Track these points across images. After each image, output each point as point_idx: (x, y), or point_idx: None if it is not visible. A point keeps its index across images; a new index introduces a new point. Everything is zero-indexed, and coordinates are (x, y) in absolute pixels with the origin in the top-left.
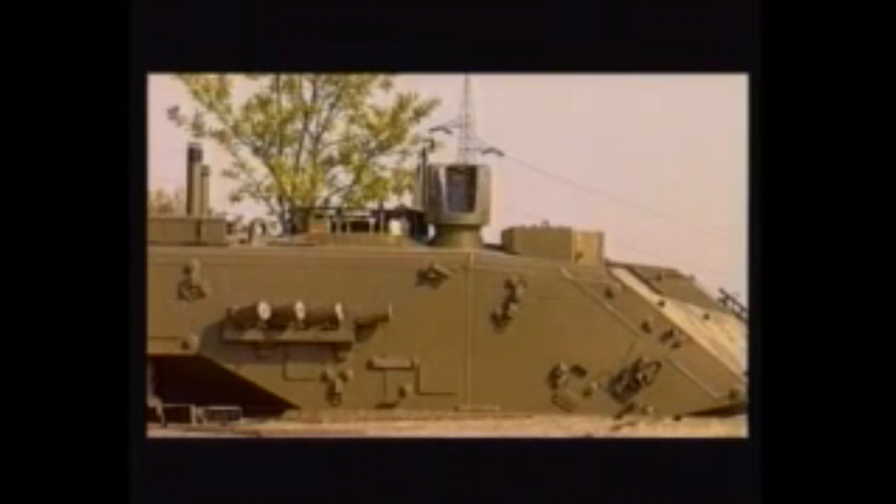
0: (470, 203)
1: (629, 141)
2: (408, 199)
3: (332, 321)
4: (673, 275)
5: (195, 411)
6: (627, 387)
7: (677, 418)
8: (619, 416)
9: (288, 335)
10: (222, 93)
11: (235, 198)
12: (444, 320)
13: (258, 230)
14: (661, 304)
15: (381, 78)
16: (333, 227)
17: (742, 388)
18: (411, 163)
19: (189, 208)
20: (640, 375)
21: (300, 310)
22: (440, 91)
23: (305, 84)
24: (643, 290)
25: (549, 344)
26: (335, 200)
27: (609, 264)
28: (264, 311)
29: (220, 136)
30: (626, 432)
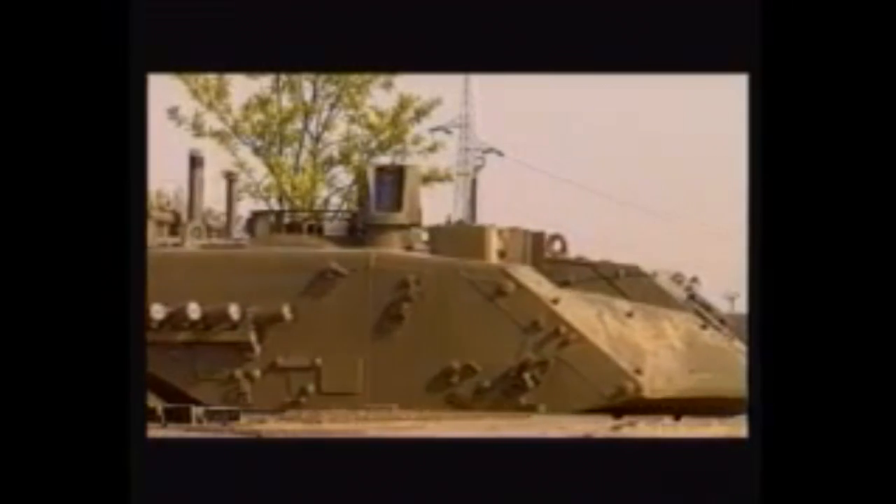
0: (398, 203)
1: (629, 141)
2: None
3: (229, 322)
4: (633, 272)
5: (195, 411)
6: (515, 385)
7: (677, 418)
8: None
9: (191, 336)
10: (222, 92)
11: (235, 198)
12: (344, 320)
13: (190, 231)
14: (555, 301)
15: (382, 78)
16: (272, 229)
17: (630, 385)
18: (411, 163)
19: (191, 214)
20: (526, 375)
21: (193, 311)
22: (440, 91)
23: (306, 84)
24: (543, 288)
25: (443, 343)
26: (335, 200)
27: (569, 262)
28: (157, 312)
29: (220, 136)
30: (625, 432)
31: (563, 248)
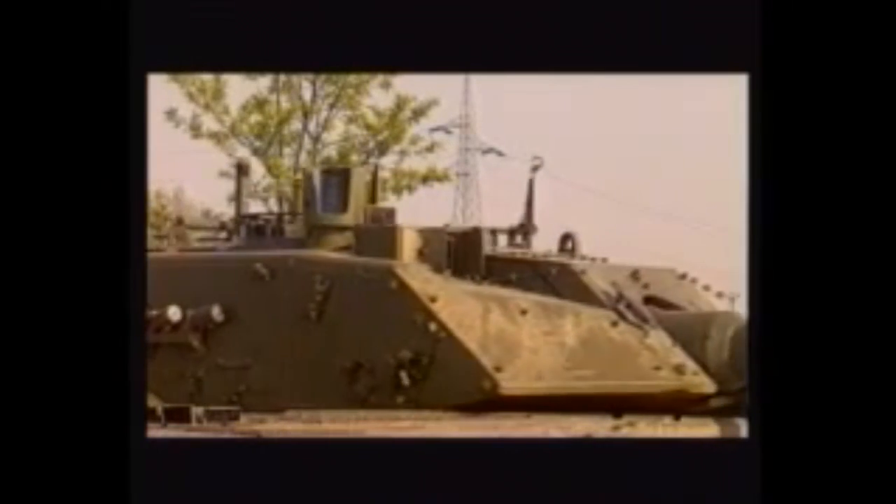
0: (343, 204)
1: (629, 141)
2: (407, 200)
3: (170, 324)
4: (564, 270)
5: (195, 411)
6: (395, 384)
7: (677, 418)
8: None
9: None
10: (218, 94)
11: (234, 199)
12: (269, 321)
13: (173, 235)
14: (433, 300)
15: (379, 78)
16: (249, 232)
17: (487, 382)
18: (410, 163)
19: (237, 220)
20: (403, 373)
21: None
22: (440, 91)
23: (305, 84)
24: (425, 287)
25: (343, 342)
26: None
27: (510, 260)
28: None
29: (217, 138)
30: (625, 432)
31: (573, 248)
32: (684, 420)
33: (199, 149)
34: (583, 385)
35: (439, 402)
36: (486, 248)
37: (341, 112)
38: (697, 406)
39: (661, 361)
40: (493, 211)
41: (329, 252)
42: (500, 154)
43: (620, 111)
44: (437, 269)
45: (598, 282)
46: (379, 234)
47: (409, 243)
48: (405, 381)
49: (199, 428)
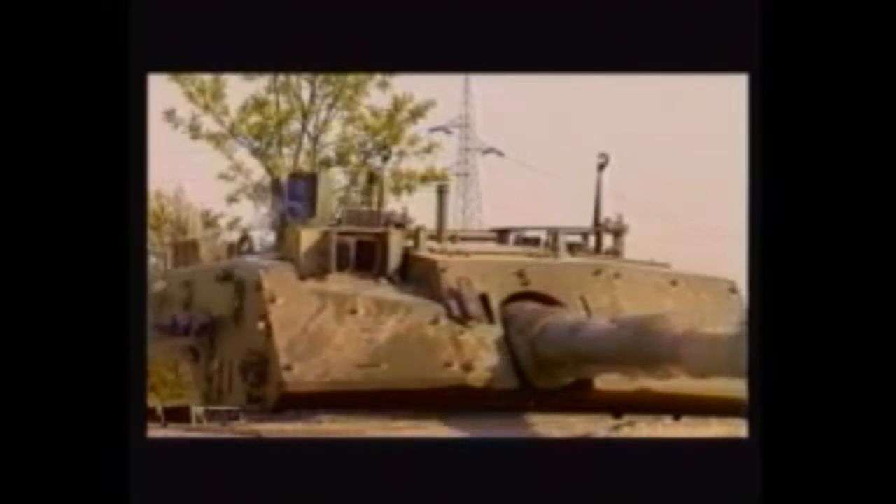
0: (311, 209)
1: (629, 141)
2: (406, 200)
3: (180, 328)
4: (433, 268)
5: (195, 411)
6: (254, 382)
7: (677, 418)
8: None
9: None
10: (218, 94)
11: (233, 199)
12: (227, 324)
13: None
14: (273, 300)
15: (377, 78)
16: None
17: (276, 380)
18: (409, 164)
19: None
20: (251, 371)
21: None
22: (439, 91)
23: (304, 84)
24: (278, 287)
25: (240, 342)
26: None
27: (414, 259)
28: None
29: (217, 139)
30: (625, 432)
31: (557, 245)
32: (684, 420)
33: (198, 149)
34: (367, 381)
35: (265, 403)
36: (424, 249)
37: (340, 112)
38: (499, 402)
39: (456, 358)
40: (494, 211)
41: (262, 258)
42: (500, 154)
43: (620, 111)
44: (324, 270)
45: (449, 279)
46: (288, 237)
47: (305, 244)
48: (253, 378)
49: (199, 428)
